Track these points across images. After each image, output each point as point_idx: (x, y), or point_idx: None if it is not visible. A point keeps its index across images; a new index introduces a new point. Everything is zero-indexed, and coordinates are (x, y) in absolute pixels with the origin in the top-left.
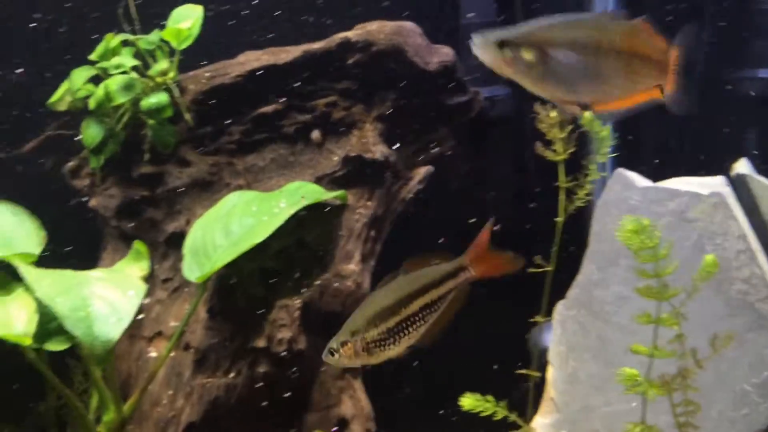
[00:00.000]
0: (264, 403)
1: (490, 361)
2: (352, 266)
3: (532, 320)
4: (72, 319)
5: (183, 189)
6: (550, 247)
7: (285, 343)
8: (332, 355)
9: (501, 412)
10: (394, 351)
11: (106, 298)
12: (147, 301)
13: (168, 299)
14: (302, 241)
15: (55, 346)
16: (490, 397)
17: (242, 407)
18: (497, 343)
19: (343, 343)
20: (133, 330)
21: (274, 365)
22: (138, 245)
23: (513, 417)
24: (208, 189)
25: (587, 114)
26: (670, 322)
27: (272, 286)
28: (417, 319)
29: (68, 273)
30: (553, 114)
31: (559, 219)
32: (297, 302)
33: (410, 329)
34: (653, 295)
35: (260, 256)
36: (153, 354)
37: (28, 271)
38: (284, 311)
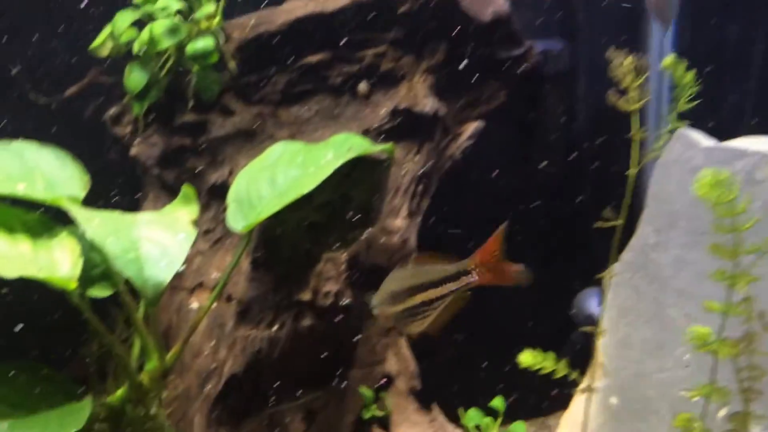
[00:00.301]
0: (308, 357)
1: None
2: (399, 222)
3: (598, 276)
4: (123, 260)
5: (226, 138)
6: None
7: (331, 297)
8: None
9: (561, 370)
10: None
11: (156, 241)
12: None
13: (209, 250)
14: (348, 195)
15: (98, 292)
16: (550, 354)
17: (286, 360)
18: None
19: None
20: (174, 281)
21: (319, 319)
22: (186, 189)
23: (574, 375)
24: (252, 139)
25: (669, 58)
26: (744, 280)
27: (318, 239)
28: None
29: (115, 215)
30: (628, 61)
31: (632, 171)
32: (343, 256)
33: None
34: (726, 253)
35: (306, 208)
36: (194, 305)
37: (78, 211)
38: (330, 264)
